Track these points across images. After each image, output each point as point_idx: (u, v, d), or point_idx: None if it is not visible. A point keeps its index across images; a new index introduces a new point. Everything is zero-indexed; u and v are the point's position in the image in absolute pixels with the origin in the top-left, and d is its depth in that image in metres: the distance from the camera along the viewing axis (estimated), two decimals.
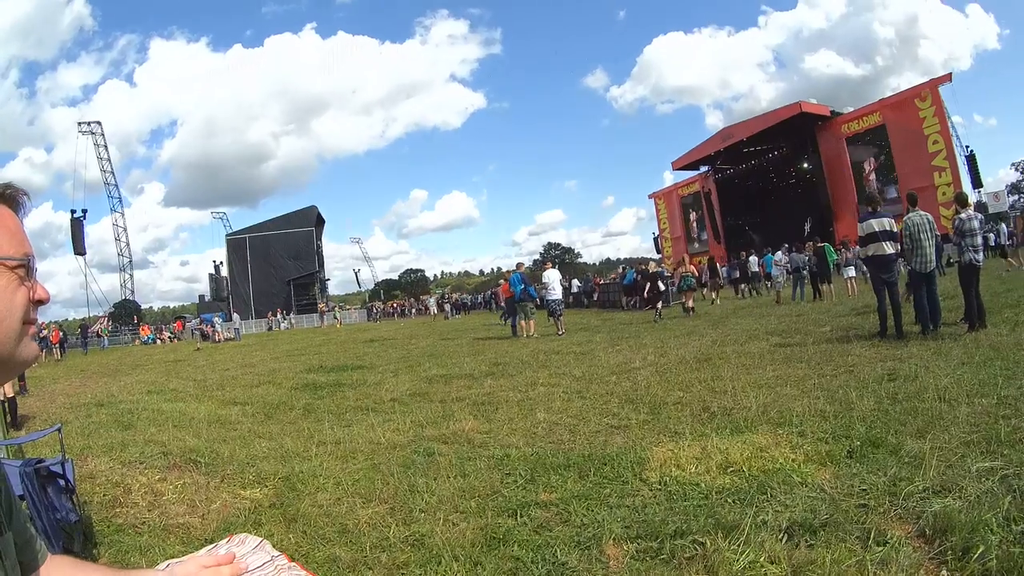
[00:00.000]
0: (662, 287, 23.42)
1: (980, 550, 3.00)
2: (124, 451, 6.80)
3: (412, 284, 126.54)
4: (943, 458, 4.32)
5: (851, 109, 49.94)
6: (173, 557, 1.12)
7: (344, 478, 5.21)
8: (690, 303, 21.19)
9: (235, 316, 48.52)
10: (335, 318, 57.43)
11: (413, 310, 65.91)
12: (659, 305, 21.52)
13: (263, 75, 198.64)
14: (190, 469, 5.95)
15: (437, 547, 3.61)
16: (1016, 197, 77.99)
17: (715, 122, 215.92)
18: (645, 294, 24.78)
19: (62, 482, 3.89)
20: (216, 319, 48.57)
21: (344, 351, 20.42)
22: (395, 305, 70.53)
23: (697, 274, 25.44)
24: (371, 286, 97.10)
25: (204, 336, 45.43)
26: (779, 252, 24.67)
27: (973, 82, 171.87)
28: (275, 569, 1.36)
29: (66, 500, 3.86)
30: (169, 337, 52.93)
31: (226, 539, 1.52)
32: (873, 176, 45.11)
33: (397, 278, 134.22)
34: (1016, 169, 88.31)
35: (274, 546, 1.45)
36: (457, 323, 35.35)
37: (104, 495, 5.29)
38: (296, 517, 4.40)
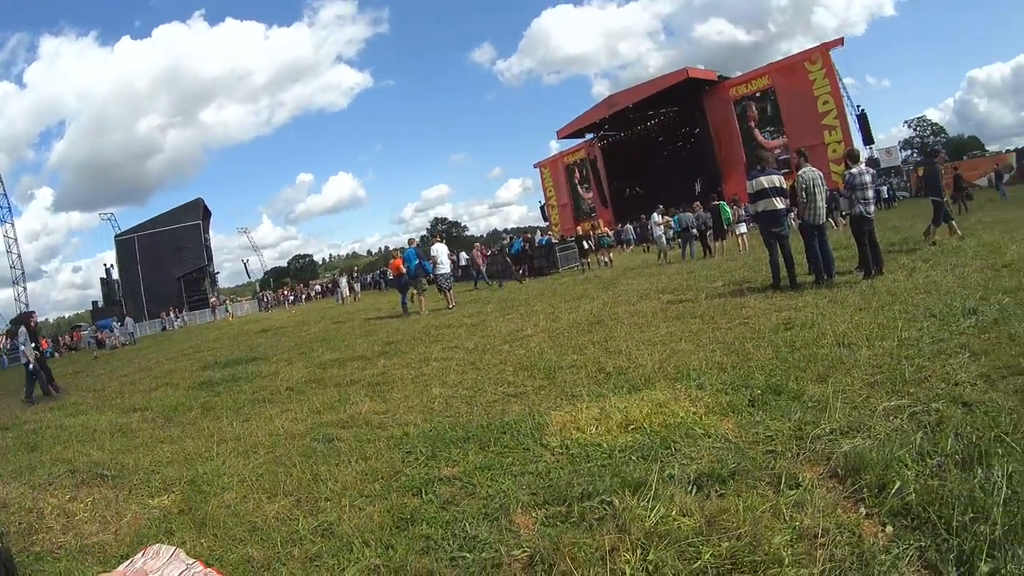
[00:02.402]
0: (586, 246, 28.66)
1: (896, 485, 3.01)
2: (33, 473, 6.57)
3: (300, 270, 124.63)
4: (847, 400, 4.39)
5: (740, 74, 51.55)
6: None
7: (248, 474, 5.10)
8: (608, 257, 27.86)
9: (127, 320, 46.14)
10: (227, 311, 56.41)
11: (303, 296, 64.96)
12: (587, 259, 27.83)
13: (151, 67, 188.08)
14: (98, 484, 5.81)
15: (347, 535, 3.59)
16: (909, 152, 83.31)
17: (602, 91, 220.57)
18: (580, 253, 28.94)
19: None
20: (114, 324, 46.39)
21: (237, 344, 20.04)
22: (286, 292, 68.75)
23: (611, 234, 33.85)
24: (261, 276, 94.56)
25: (100, 344, 43.66)
26: (655, 213, 25.07)
27: (869, 46, 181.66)
28: None
29: None
30: (68, 348, 50.73)
31: (140, 553, 1.57)
32: (757, 132, 46.69)
33: (286, 264, 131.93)
34: (909, 127, 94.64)
35: (188, 553, 1.44)
36: (348, 305, 34.82)
37: (19, 523, 5.06)
38: (205, 520, 4.27)
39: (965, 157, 65.84)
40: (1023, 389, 4.10)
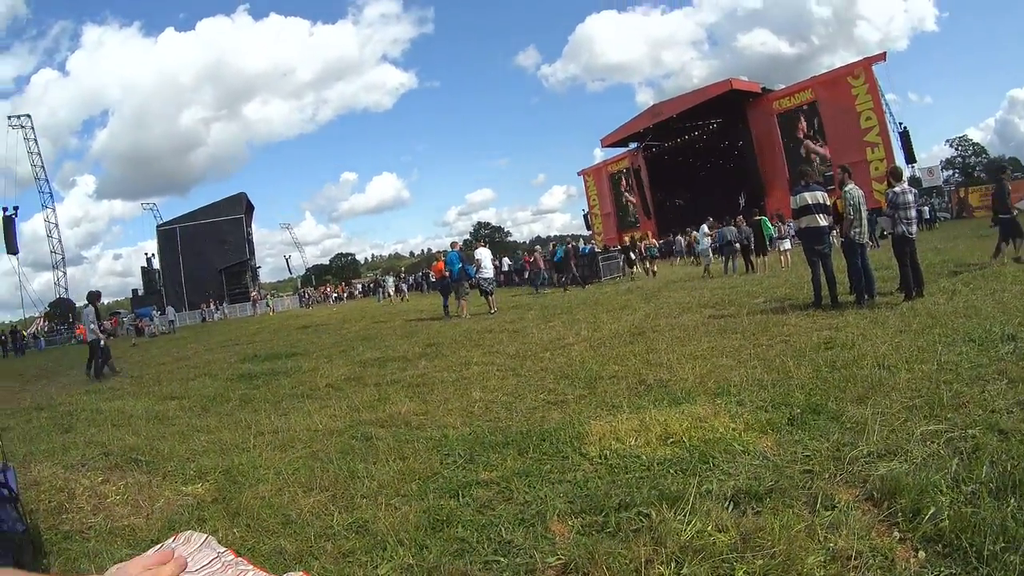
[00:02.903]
0: (633, 256, 29.37)
1: (931, 511, 3.04)
2: (66, 454, 6.74)
3: (343, 268, 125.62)
4: (886, 423, 4.41)
5: (783, 86, 51.14)
6: (121, 561, 1.03)
7: (284, 468, 5.17)
8: (653, 268, 28.52)
9: (169, 309, 47.06)
10: (268, 306, 57.66)
11: (345, 294, 65.38)
12: (633, 269, 28.94)
13: (195, 60, 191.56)
14: (131, 468, 5.92)
15: (381, 533, 3.62)
16: (950, 172, 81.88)
17: (646, 99, 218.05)
18: (622, 262, 30.00)
19: (5, 491, 3.69)
20: (154, 313, 47.33)
21: (278, 339, 20.33)
22: (328, 290, 69.42)
23: (657, 245, 34.82)
24: (302, 272, 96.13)
25: (139, 331, 44.65)
26: (703, 225, 25.03)
27: (910, 62, 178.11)
28: (222, 566, 1.32)
29: (11, 510, 3.68)
30: (106, 333, 51.45)
31: (171, 538, 1.45)
32: (809, 143, 46.24)
33: (328, 263, 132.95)
34: (951, 145, 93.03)
35: (219, 541, 1.39)
36: (390, 305, 35.19)
37: (49, 502, 5.19)
38: (239, 511, 4.34)
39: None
40: None
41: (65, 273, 65.59)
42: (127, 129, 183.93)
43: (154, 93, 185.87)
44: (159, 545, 1.36)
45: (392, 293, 38.89)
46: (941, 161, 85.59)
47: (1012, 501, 3.05)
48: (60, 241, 65.45)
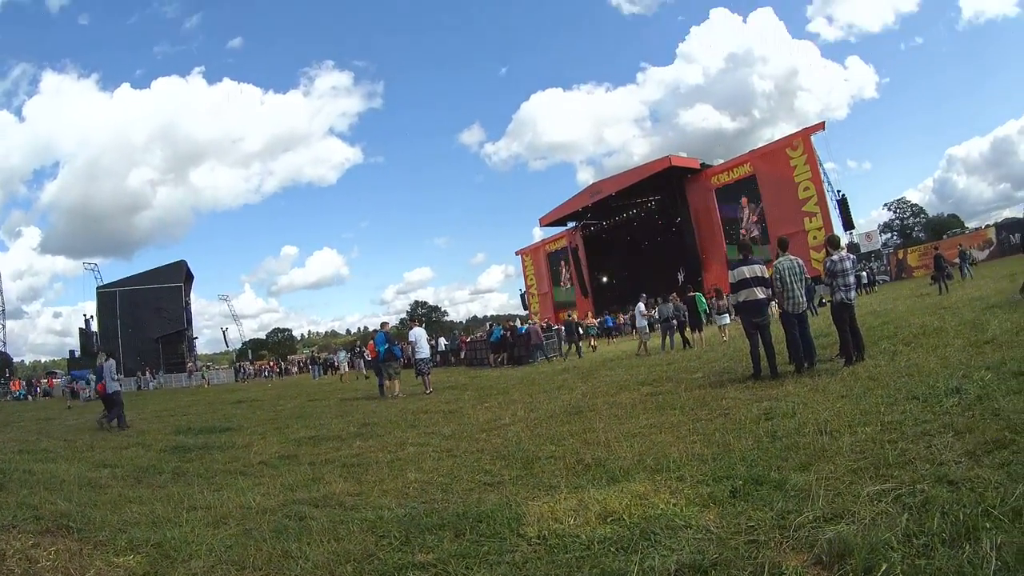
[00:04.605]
0: (580, 331, 30.59)
1: (883, 568, 3.02)
2: None
3: (279, 344, 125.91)
4: (831, 487, 4.41)
5: (722, 161, 52.95)
6: None
7: (216, 545, 5.01)
8: (593, 343, 32.18)
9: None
10: (203, 378, 57.18)
11: (279, 370, 65.15)
12: (571, 347, 29.34)
13: (148, 119, 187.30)
14: (63, 534, 5.76)
15: None
16: (889, 235, 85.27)
17: (587, 178, 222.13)
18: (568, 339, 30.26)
19: None
20: (90, 377, 45.77)
21: (213, 412, 20.08)
22: (271, 365, 68.80)
23: (596, 324, 38.19)
24: (239, 345, 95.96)
25: (74, 394, 43.35)
26: (639, 303, 25.37)
27: (850, 129, 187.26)
28: None
29: None
30: (42, 393, 52.48)
31: None
32: (754, 228, 47.59)
33: (265, 337, 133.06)
34: (889, 209, 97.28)
35: None
36: (324, 383, 35.30)
37: None
38: None
39: (945, 236, 67.54)
40: (1008, 463, 4.20)
41: (4, 326, 65.90)
42: (76, 182, 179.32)
43: (106, 149, 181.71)
44: None
45: (346, 369, 38.21)
46: (879, 225, 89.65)
47: (967, 547, 3.06)
48: (1, 293, 66.20)
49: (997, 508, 3.45)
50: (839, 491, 4.31)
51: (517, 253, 73.58)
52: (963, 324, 12.23)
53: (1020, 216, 63.62)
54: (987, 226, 60.74)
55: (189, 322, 75.92)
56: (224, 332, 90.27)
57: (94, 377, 38.55)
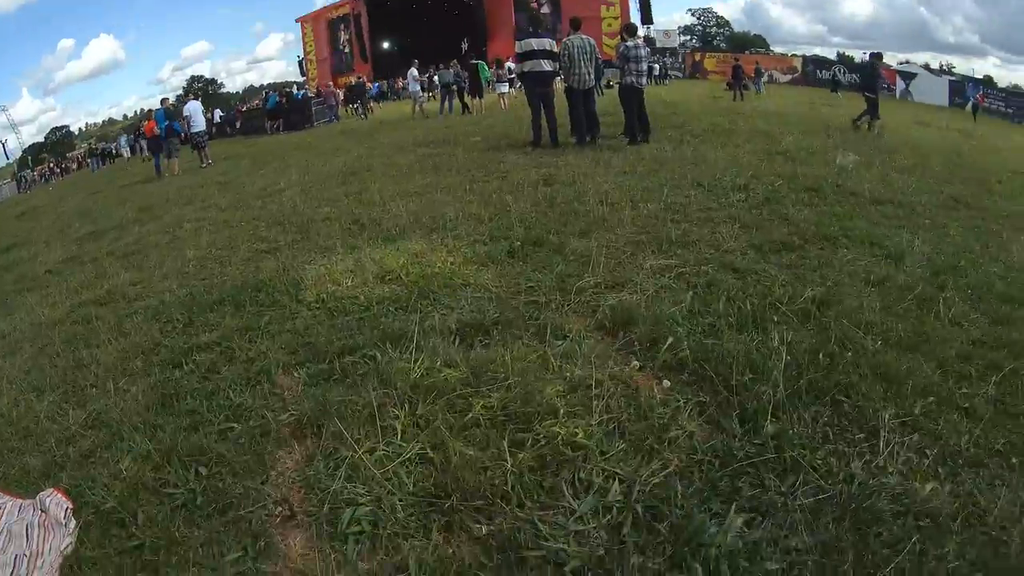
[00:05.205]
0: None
1: (669, 340, 3.03)
2: None
3: (58, 144, 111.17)
4: (611, 256, 4.46)
5: None
6: None
7: (16, 375, 4.49)
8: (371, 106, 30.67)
9: None
10: None
11: (58, 171, 57.58)
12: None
13: None
14: None
15: (115, 422, 3.29)
16: (689, 38, 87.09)
17: None
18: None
19: None
20: None
21: None
22: (45, 169, 60.83)
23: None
24: (19, 154, 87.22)
25: None
26: (413, 68, 24.94)
27: None
28: None
29: None
30: None
31: None
32: (547, 3, 46.58)
33: (44, 140, 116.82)
34: (692, 14, 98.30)
35: None
36: (104, 174, 32.54)
37: None
38: None
39: (748, 52, 69.77)
40: (796, 265, 4.34)
41: None
42: None
43: None
44: None
45: (128, 154, 34.81)
46: (680, 27, 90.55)
47: (755, 335, 3.13)
48: None
49: (785, 305, 3.54)
50: (620, 260, 4.36)
51: (297, 20, 68.75)
52: (756, 132, 12.20)
53: (831, 58, 66.32)
54: (793, 55, 63.11)
55: None
56: (3, 144, 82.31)
57: None
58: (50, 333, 5.28)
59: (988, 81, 53.37)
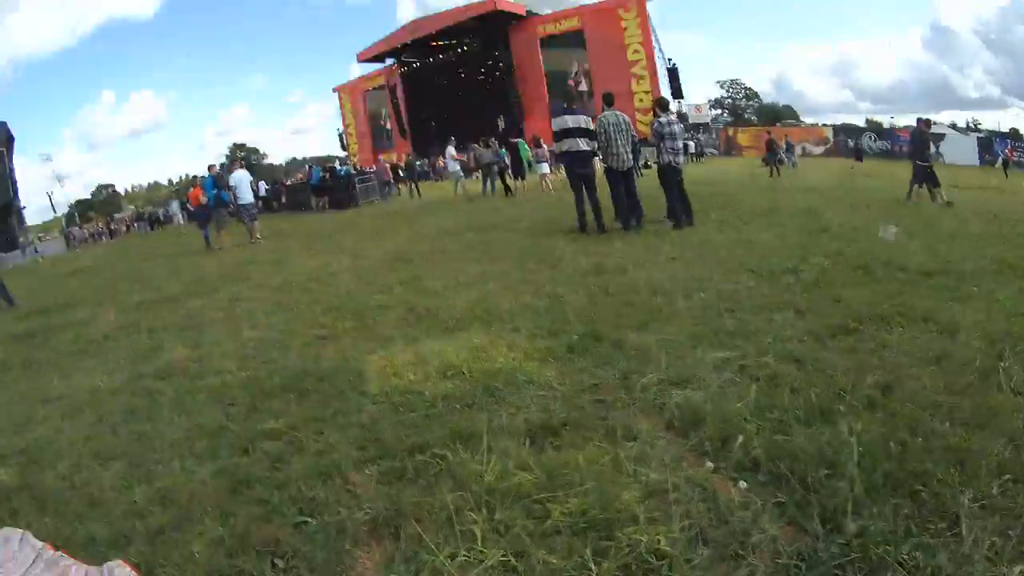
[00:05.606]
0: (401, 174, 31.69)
1: (740, 439, 3.06)
2: None
3: (105, 202, 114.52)
4: (671, 351, 4.45)
5: (550, 11, 52.00)
6: None
7: (77, 439, 4.59)
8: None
9: None
10: (36, 252, 50.09)
11: (107, 231, 59.56)
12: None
13: None
14: None
15: (185, 503, 3.32)
16: (719, 111, 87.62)
17: (408, 14, 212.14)
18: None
19: None
20: None
21: (49, 288, 18.17)
22: (95, 227, 63.10)
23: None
24: (66, 209, 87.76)
25: None
26: (450, 147, 25.07)
27: (684, 4, 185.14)
28: (45, 564, 1.33)
29: None
30: None
31: None
32: (583, 80, 47.50)
33: (90, 196, 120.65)
34: (721, 87, 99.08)
35: (35, 536, 1.39)
36: (153, 240, 33.31)
37: None
38: (45, 497, 3.77)
39: (778, 124, 69.60)
40: (855, 349, 4.30)
41: None
42: None
43: None
44: None
45: (181, 221, 35.55)
46: (710, 100, 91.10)
47: (824, 430, 3.12)
48: None
49: (849, 394, 3.53)
50: (680, 355, 4.36)
51: (334, 90, 70.20)
52: (798, 210, 12.28)
53: (860, 125, 66.57)
54: (824, 125, 63.37)
55: (15, 191, 67.96)
56: (50, 196, 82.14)
57: None
58: (110, 402, 5.37)
59: (1015, 134, 53.51)
